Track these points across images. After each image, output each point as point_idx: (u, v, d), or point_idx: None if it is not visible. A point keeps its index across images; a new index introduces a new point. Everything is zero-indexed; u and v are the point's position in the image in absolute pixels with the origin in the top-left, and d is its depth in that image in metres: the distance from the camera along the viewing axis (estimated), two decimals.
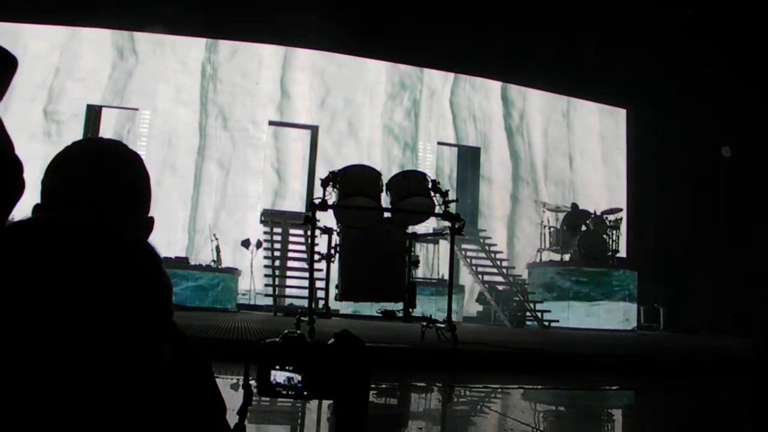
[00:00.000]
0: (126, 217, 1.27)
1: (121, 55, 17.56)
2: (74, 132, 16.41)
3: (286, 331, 1.05)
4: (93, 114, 17.36)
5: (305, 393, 1.01)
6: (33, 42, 16.93)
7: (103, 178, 1.28)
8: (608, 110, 21.09)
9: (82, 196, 1.24)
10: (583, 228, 16.55)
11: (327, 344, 1.05)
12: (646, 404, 6.01)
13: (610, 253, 16.39)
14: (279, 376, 1.02)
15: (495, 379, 6.21)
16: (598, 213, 16.91)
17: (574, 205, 17.25)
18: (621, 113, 21.24)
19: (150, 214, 1.36)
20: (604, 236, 16.49)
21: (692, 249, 16.96)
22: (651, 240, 17.99)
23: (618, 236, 16.85)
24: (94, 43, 17.36)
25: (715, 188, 17.33)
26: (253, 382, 1.03)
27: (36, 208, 1.26)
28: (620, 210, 17.65)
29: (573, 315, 15.33)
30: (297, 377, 1.02)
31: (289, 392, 1.01)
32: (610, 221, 16.83)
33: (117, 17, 16.35)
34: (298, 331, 1.05)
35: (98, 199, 1.25)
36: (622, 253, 17.54)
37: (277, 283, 14.60)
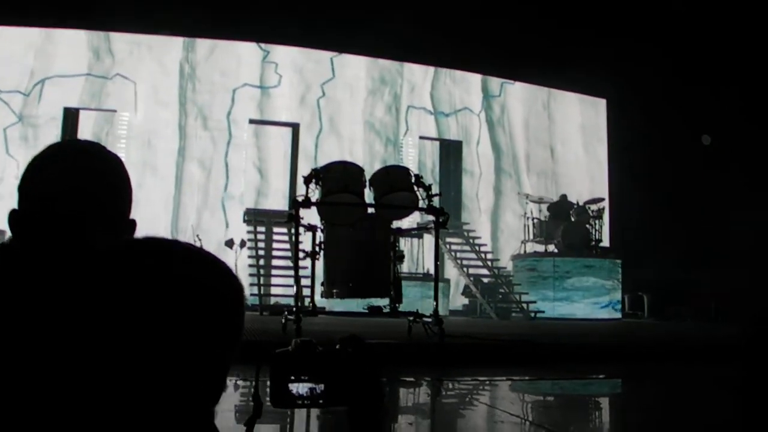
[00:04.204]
0: (107, 220, 1.25)
1: (97, 56, 17.40)
2: (52, 135, 16.24)
3: (296, 339, 1.03)
4: (70, 117, 17.20)
5: (321, 402, 0.99)
6: (6, 44, 16.73)
7: (83, 180, 1.25)
8: (589, 101, 21.18)
9: (62, 199, 1.21)
10: (568, 218, 16.61)
11: (341, 351, 1.03)
12: (633, 392, 6.04)
13: (593, 243, 16.47)
14: (295, 386, 0.99)
15: (483, 372, 6.22)
16: (581, 203, 16.98)
17: (563, 197, 17.30)
18: (601, 103, 21.33)
19: (131, 217, 1.33)
20: (587, 226, 16.56)
21: (674, 237, 17.06)
22: (634, 229, 18.08)
23: (601, 226, 16.94)
24: (70, 45, 17.18)
25: (696, 176, 17.44)
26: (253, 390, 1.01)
27: (12, 213, 1.23)
28: (602, 200, 17.75)
29: (558, 305, 15.40)
30: (313, 386, 1.00)
31: (305, 402, 0.99)
32: (592, 211, 16.91)
33: (91, 18, 16.20)
34: (308, 338, 1.04)
35: (78, 202, 1.22)
36: (606, 242, 17.63)
37: (262, 282, 14.56)
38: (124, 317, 0.83)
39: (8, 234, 1.23)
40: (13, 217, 1.22)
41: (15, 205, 1.25)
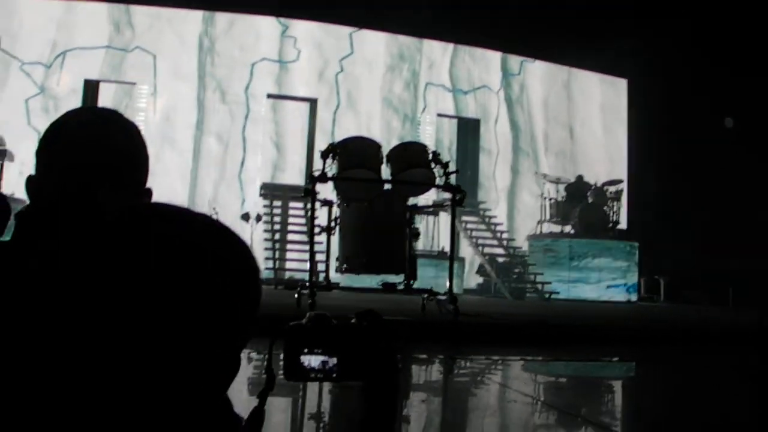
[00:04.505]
0: (124, 186, 1.24)
1: (117, 29, 17.41)
2: (72, 107, 16.25)
3: (310, 312, 1.02)
4: (91, 89, 17.26)
5: (335, 376, 0.99)
6: (29, 16, 16.78)
7: (100, 146, 1.24)
8: (609, 81, 20.96)
9: (78, 166, 1.21)
10: (585, 199, 16.54)
11: (357, 325, 1.02)
12: (646, 375, 6.03)
13: (610, 225, 16.38)
14: (308, 359, 0.99)
15: (496, 351, 6.23)
16: (599, 184, 16.87)
17: (579, 177, 17.20)
18: (622, 83, 21.11)
19: (148, 186, 1.33)
20: (605, 208, 16.47)
21: (693, 220, 16.95)
22: (652, 211, 17.97)
23: (618, 208, 16.84)
24: (91, 17, 17.19)
25: (717, 159, 17.27)
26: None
27: (29, 179, 1.23)
28: (621, 181, 17.62)
29: (573, 287, 15.36)
30: (327, 360, 0.99)
31: (318, 375, 0.98)
32: (610, 193, 16.81)
33: None
34: (322, 312, 1.03)
35: (95, 169, 1.21)
36: (623, 224, 17.54)
37: (277, 256, 14.61)
38: (135, 285, 0.82)
39: (26, 202, 1.23)
40: (30, 183, 1.22)
41: (33, 171, 1.24)
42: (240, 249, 0.92)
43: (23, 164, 12.19)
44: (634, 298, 16.00)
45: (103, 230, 0.87)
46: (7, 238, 1.15)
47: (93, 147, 1.23)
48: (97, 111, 1.33)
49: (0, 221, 1.24)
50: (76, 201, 1.17)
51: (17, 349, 0.86)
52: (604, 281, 15.54)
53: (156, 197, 1.34)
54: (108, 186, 1.20)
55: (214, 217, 0.95)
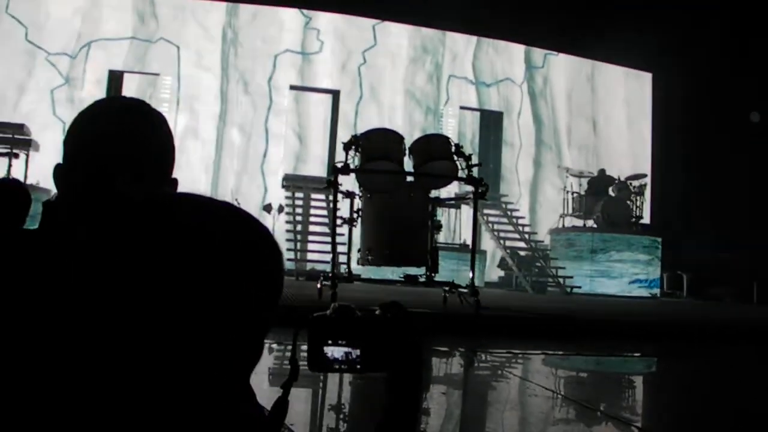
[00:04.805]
0: (150, 177, 1.25)
1: (142, 20, 17.51)
2: (97, 97, 16.29)
3: (335, 303, 1.02)
4: (115, 80, 17.39)
5: (358, 367, 0.99)
6: (55, 8, 16.93)
7: (127, 136, 1.25)
8: (633, 74, 20.78)
9: (105, 155, 1.22)
10: (608, 193, 16.44)
11: (381, 317, 1.02)
12: (667, 371, 5.99)
13: (633, 219, 16.27)
14: (332, 350, 0.99)
15: (517, 345, 6.22)
16: (622, 178, 16.76)
17: (602, 171, 17.11)
18: (647, 77, 20.92)
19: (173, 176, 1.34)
20: (628, 202, 16.36)
21: (717, 216, 16.79)
22: (675, 206, 17.82)
23: (642, 202, 16.71)
24: (115, 9, 17.31)
25: (742, 154, 17.08)
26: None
27: (57, 168, 1.24)
28: (645, 176, 17.49)
29: (595, 281, 15.29)
30: (351, 351, 0.99)
31: (342, 366, 0.98)
32: (634, 187, 16.69)
33: None
34: (347, 303, 1.03)
35: (122, 158, 1.22)
36: (646, 219, 17.40)
37: (299, 247, 14.66)
38: (158, 271, 0.83)
39: (53, 191, 1.24)
40: (58, 171, 1.23)
41: (60, 160, 1.26)
42: (262, 236, 0.93)
43: (49, 154, 12.28)
44: (656, 293, 15.88)
45: (123, 219, 0.87)
46: (34, 225, 1.17)
47: (119, 137, 1.24)
48: (124, 101, 1.34)
49: (20, 210, 1.25)
50: (98, 190, 1.18)
51: (44, 334, 0.87)
52: (627, 276, 15.44)
53: (180, 188, 1.35)
54: (130, 176, 1.21)
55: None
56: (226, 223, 0.90)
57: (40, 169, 11.69)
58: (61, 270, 0.88)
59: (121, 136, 1.24)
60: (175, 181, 1.32)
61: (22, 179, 10.82)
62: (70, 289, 0.85)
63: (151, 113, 1.32)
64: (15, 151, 12.04)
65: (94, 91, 16.76)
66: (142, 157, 1.25)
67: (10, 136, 11.95)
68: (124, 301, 0.82)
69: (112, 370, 0.82)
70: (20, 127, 12.21)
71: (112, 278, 0.83)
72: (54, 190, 1.26)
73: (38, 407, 0.84)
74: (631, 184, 16.72)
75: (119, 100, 1.36)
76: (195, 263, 0.84)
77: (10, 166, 11.78)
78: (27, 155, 12.35)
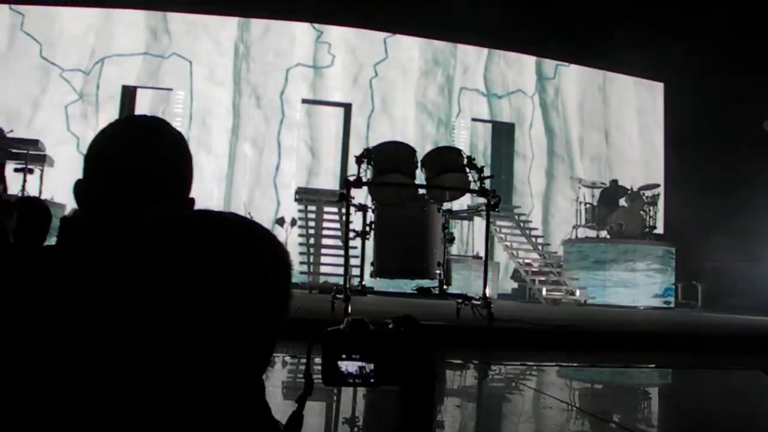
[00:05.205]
0: (169, 196, 1.26)
1: (154, 36, 17.65)
2: (110, 113, 16.57)
3: (348, 317, 1.03)
4: (128, 95, 17.52)
5: (372, 381, 0.99)
6: (69, 25, 17.09)
7: (148, 156, 1.26)
8: (645, 84, 20.76)
9: (126, 173, 1.23)
10: (621, 204, 16.39)
11: (394, 330, 1.03)
12: (683, 382, 5.95)
13: (647, 230, 16.21)
14: (346, 365, 1.00)
15: (531, 357, 6.19)
16: (635, 189, 16.71)
17: (614, 182, 17.07)
18: (658, 87, 20.89)
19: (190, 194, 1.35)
20: (641, 212, 16.30)
21: (731, 226, 16.68)
22: (689, 216, 17.71)
23: (655, 212, 16.65)
24: (128, 25, 17.46)
25: (756, 164, 16.98)
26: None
27: (78, 184, 1.25)
28: (657, 185, 17.42)
29: (609, 292, 15.21)
30: (365, 365, 1.00)
31: (356, 380, 0.99)
32: (647, 197, 16.63)
33: None
34: (360, 317, 1.04)
35: (142, 177, 1.24)
36: (660, 229, 17.33)
37: (311, 260, 14.67)
38: (173, 284, 0.84)
39: (68, 206, 1.26)
40: (78, 187, 1.25)
41: (79, 176, 1.27)
42: (273, 249, 0.94)
43: (64, 169, 12.37)
44: (671, 303, 15.79)
45: (139, 240, 0.89)
46: (51, 240, 1.19)
47: (139, 156, 1.25)
48: (145, 120, 1.35)
49: (42, 225, 1.27)
50: (117, 210, 1.20)
51: (61, 346, 0.88)
52: (641, 286, 15.36)
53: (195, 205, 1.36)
54: (149, 196, 1.22)
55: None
56: (236, 238, 0.91)
57: (54, 184, 11.79)
58: (79, 286, 0.90)
59: (141, 155, 1.25)
60: (192, 201, 1.33)
61: (37, 194, 10.90)
62: (87, 304, 0.87)
63: (171, 133, 1.33)
64: (30, 166, 12.14)
65: (107, 106, 16.90)
66: (161, 177, 1.26)
67: (25, 151, 12.04)
68: (137, 317, 0.84)
69: (123, 377, 0.83)
70: (35, 143, 12.31)
71: (126, 295, 0.85)
72: (70, 206, 1.28)
73: (56, 414, 0.85)
74: (643, 194, 16.66)
75: (140, 119, 1.36)
76: (205, 280, 0.85)
77: (25, 181, 11.88)
78: (42, 171, 12.44)
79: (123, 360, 0.84)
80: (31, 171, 12.19)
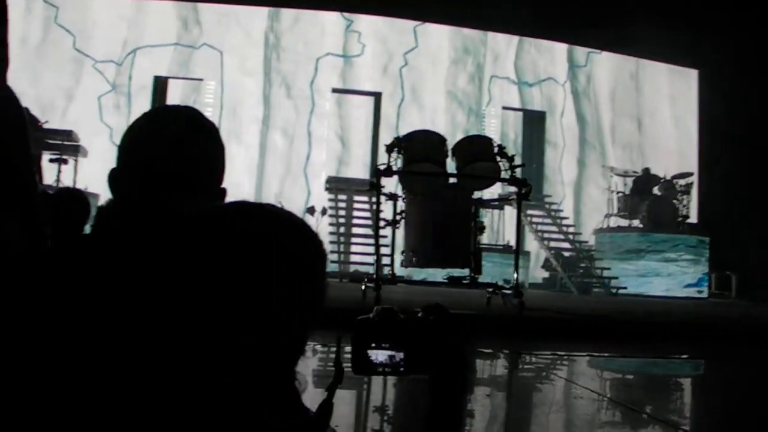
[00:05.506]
0: (202, 187, 1.27)
1: (185, 26, 17.76)
2: (142, 104, 16.73)
3: (378, 306, 1.04)
4: (160, 85, 17.66)
5: (402, 370, 1.00)
6: (101, 16, 17.26)
7: (181, 146, 1.27)
8: (679, 71, 20.46)
9: (160, 163, 1.24)
10: (654, 192, 16.21)
11: (423, 319, 1.03)
12: (716, 373, 5.89)
13: (680, 219, 16.02)
14: (376, 353, 1.00)
15: (562, 346, 6.17)
16: (668, 177, 16.52)
17: (646, 170, 16.87)
18: (692, 74, 20.58)
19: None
20: (674, 201, 16.12)
21: (766, 215, 16.43)
22: (723, 205, 17.47)
23: (688, 201, 16.46)
24: (160, 16, 17.59)
25: None
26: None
27: (112, 173, 1.26)
28: (691, 174, 17.20)
29: (641, 281, 15.08)
30: (395, 354, 1.00)
31: (386, 369, 1.00)
32: (680, 186, 16.44)
33: None
34: (389, 306, 1.04)
35: (176, 167, 1.24)
36: (693, 218, 17.12)
37: (342, 249, 14.72)
38: (211, 278, 0.85)
39: (101, 196, 1.28)
40: (113, 176, 1.26)
41: (112, 166, 1.28)
42: (308, 237, 0.95)
43: (97, 159, 12.52)
44: (704, 294, 15.61)
45: (179, 229, 0.90)
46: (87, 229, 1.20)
47: (173, 147, 1.26)
48: (179, 111, 1.36)
49: (81, 216, 1.29)
50: (154, 201, 1.21)
51: (97, 336, 0.90)
52: (673, 276, 15.21)
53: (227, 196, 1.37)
54: (184, 187, 1.23)
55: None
56: (275, 232, 0.92)
57: (88, 174, 11.93)
58: (119, 277, 0.91)
59: (174, 145, 1.26)
60: (224, 191, 1.34)
61: (71, 185, 11.05)
62: (127, 294, 0.88)
63: (205, 123, 1.34)
64: (64, 157, 12.30)
65: (139, 97, 17.07)
66: (195, 168, 1.27)
67: (60, 142, 12.21)
68: (177, 308, 0.85)
69: (166, 365, 0.85)
70: (69, 134, 12.47)
71: (167, 286, 0.86)
72: (103, 195, 1.29)
73: (89, 400, 0.87)
74: (677, 182, 16.47)
75: (174, 109, 1.37)
76: (245, 273, 0.86)
77: (59, 171, 12.04)
78: (76, 161, 12.61)
79: (162, 351, 0.85)
80: (65, 161, 12.35)
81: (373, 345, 0.99)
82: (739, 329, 7.79)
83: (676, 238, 15.47)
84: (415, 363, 1.00)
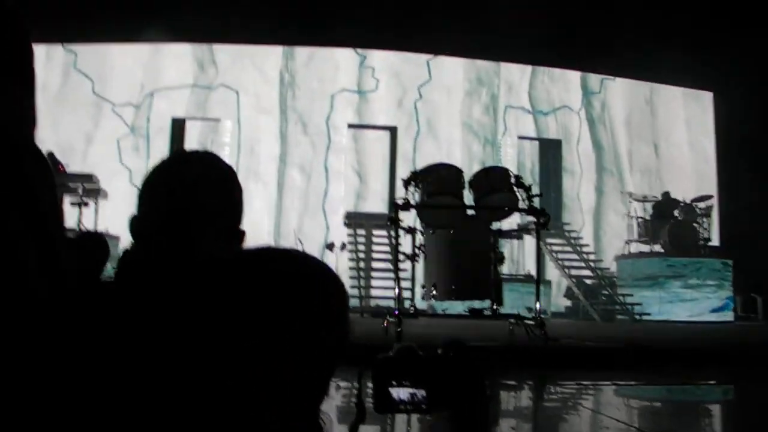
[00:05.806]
0: (220, 229, 1.29)
1: (201, 67, 18.00)
2: (160, 146, 16.94)
3: (398, 344, 1.05)
4: (177, 127, 17.87)
5: (424, 407, 1.00)
6: (119, 60, 17.56)
7: (201, 191, 1.29)
8: (693, 94, 20.44)
9: (180, 208, 1.26)
10: (674, 217, 16.11)
11: (443, 356, 1.04)
12: (746, 398, 5.80)
13: (701, 242, 15.89)
14: (396, 391, 1.01)
15: (587, 376, 6.10)
16: (688, 201, 16.42)
17: (666, 194, 16.78)
18: (707, 96, 20.55)
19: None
20: (695, 225, 16.00)
21: None
22: (745, 227, 17.32)
23: (709, 224, 16.32)
24: (176, 58, 17.85)
25: None
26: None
27: (133, 219, 1.29)
28: (710, 197, 17.09)
29: (665, 307, 14.92)
30: (416, 392, 1.01)
31: (408, 407, 1.00)
32: (700, 209, 16.32)
33: (196, 30, 16.76)
34: (409, 344, 1.05)
35: (195, 212, 1.26)
36: (715, 241, 16.97)
37: (362, 284, 14.71)
38: (236, 321, 0.86)
39: (121, 238, 1.30)
40: (134, 222, 1.28)
41: (131, 208, 1.30)
42: (331, 282, 0.96)
43: (117, 202, 12.63)
44: (730, 317, 15.41)
45: (202, 275, 0.91)
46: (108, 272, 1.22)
47: (192, 193, 1.28)
48: (197, 156, 1.39)
49: (100, 260, 1.30)
50: (175, 245, 1.23)
51: (118, 383, 0.90)
52: (698, 300, 15.04)
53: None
54: (207, 227, 1.25)
55: (299, 248, 0.99)
56: (296, 277, 0.93)
57: (108, 216, 12.04)
58: (143, 322, 0.92)
59: (192, 189, 1.28)
60: (243, 233, 1.36)
61: (92, 228, 11.14)
62: (153, 339, 0.89)
63: (222, 166, 1.36)
64: (85, 200, 12.42)
65: (158, 138, 17.27)
66: (212, 211, 1.29)
67: (80, 185, 12.33)
68: (202, 351, 0.86)
69: (189, 414, 0.85)
70: (89, 178, 12.60)
71: (191, 330, 0.87)
72: (123, 237, 1.31)
73: None
74: (696, 206, 16.36)
75: (192, 154, 1.39)
76: (266, 317, 0.87)
77: (80, 214, 12.15)
78: (96, 204, 12.72)
79: (190, 391, 0.86)
80: (86, 204, 12.47)
81: (394, 383, 1.00)
82: (767, 352, 7.68)
83: (698, 261, 15.33)
84: (437, 400, 1.00)
